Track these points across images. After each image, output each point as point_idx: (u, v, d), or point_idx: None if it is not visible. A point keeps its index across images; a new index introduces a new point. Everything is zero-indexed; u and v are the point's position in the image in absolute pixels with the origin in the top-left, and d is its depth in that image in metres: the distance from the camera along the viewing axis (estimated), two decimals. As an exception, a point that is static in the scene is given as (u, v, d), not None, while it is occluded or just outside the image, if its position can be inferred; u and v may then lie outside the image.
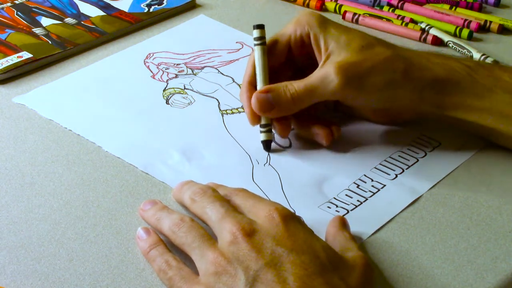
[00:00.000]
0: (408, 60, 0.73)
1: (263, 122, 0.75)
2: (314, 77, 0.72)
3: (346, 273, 0.58)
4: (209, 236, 0.60)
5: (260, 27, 0.76)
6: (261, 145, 0.75)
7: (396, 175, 0.73)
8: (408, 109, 0.75)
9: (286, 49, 0.76)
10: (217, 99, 0.83)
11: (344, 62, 0.71)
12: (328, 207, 0.69)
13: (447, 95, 0.73)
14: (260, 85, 0.75)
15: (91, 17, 0.96)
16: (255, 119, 0.75)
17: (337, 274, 0.57)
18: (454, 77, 0.73)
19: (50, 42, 0.90)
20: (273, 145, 0.76)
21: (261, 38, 0.76)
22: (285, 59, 0.77)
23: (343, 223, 0.65)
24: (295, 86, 0.72)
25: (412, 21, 0.99)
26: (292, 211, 0.63)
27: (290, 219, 0.60)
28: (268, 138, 0.75)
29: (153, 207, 0.65)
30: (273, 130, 0.75)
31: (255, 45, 0.76)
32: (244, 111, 0.81)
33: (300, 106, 0.73)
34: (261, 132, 0.75)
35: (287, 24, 0.77)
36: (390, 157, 0.75)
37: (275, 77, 0.75)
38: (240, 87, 0.85)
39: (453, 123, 0.75)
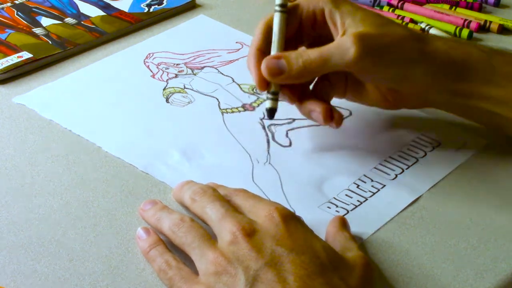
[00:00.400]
0: (425, 41, 0.72)
1: (271, 89, 0.72)
2: (330, 46, 0.70)
3: (346, 273, 0.58)
4: (209, 236, 0.60)
5: None
6: (261, 145, 0.75)
7: (396, 175, 0.73)
8: (420, 92, 0.74)
9: (297, 22, 0.75)
10: (217, 99, 0.83)
11: (363, 32, 0.70)
12: (328, 207, 0.69)
13: (461, 81, 0.72)
14: (274, 51, 0.73)
15: (91, 17, 0.96)
16: (263, 84, 0.72)
17: (337, 274, 0.57)
18: (471, 62, 0.72)
19: (50, 42, 0.90)
20: (273, 143, 0.76)
21: (284, 6, 0.74)
22: (294, 32, 0.75)
23: (343, 223, 0.65)
24: (309, 53, 0.70)
25: (412, 21, 0.99)
26: (292, 211, 0.63)
27: (290, 219, 0.60)
28: (273, 106, 0.72)
29: (153, 207, 0.65)
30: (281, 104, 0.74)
31: (276, 11, 0.74)
32: (243, 111, 0.81)
33: (311, 75, 0.72)
34: (267, 98, 0.73)
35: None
36: (390, 157, 0.75)
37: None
38: (239, 87, 0.85)
39: (464, 112, 0.74)
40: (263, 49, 0.73)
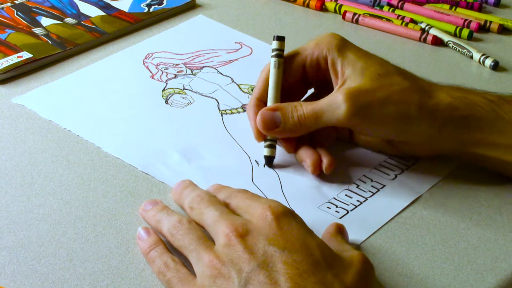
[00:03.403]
0: (427, 94, 0.70)
1: (268, 137, 0.73)
2: (323, 102, 0.70)
3: (341, 271, 0.57)
4: (206, 239, 0.60)
5: (280, 39, 0.74)
6: (260, 146, 0.75)
7: (396, 175, 0.73)
8: (426, 144, 0.72)
9: (300, 69, 0.74)
10: (216, 99, 0.83)
11: (355, 89, 0.69)
12: (328, 207, 0.69)
13: (469, 131, 0.70)
14: (270, 102, 0.73)
15: (91, 17, 0.96)
16: (260, 135, 0.73)
17: (330, 271, 0.56)
18: (477, 113, 0.70)
19: (50, 42, 0.90)
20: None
21: (279, 50, 0.73)
22: (299, 78, 0.75)
23: (338, 230, 0.64)
24: (304, 108, 0.70)
25: (412, 21, 0.99)
26: (287, 207, 0.62)
27: (283, 217, 0.59)
28: (271, 154, 0.73)
29: (154, 208, 0.65)
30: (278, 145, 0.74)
31: (272, 56, 0.74)
32: (243, 111, 0.81)
33: (306, 130, 0.71)
34: (264, 147, 0.73)
35: (307, 43, 0.74)
36: (389, 157, 0.75)
37: (287, 95, 0.73)
38: (239, 87, 0.85)
39: (473, 159, 0.72)
40: (264, 99, 0.73)
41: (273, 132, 0.72)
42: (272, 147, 0.73)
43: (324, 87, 0.75)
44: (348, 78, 0.70)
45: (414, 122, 0.69)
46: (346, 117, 0.68)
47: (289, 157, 0.74)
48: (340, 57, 0.72)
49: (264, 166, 0.73)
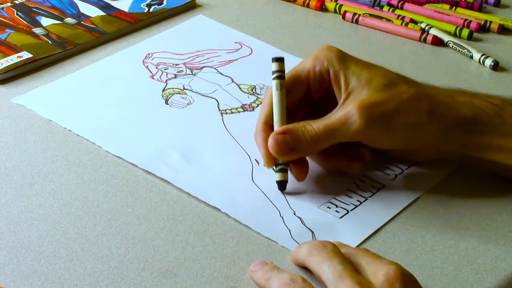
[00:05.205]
0: (433, 100, 0.70)
1: (279, 161, 0.70)
2: (334, 117, 0.69)
3: None
4: None
5: (279, 60, 0.71)
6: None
7: (396, 175, 0.73)
8: (432, 149, 0.72)
9: (305, 86, 0.72)
10: (216, 99, 0.83)
11: (366, 102, 0.68)
12: (328, 207, 0.69)
13: (474, 136, 0.70)
14: (277, 125, 0.70)
15: (91, 17, 0.96)
16: (271, 160, 0.70)
17: None
18: (482, 117, 0.70)
19: (50, 42, 0.90)
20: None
21: (280, 72, 0.71)
22: (302, 97, 0.73)
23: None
24: (315, 126, 0.68)
25: (412, 21, 0.99)
26: (409, 272, 0.58)
27: (409, 285, 0.56)
28: (284, 178, 0.70)
29: (264, 267, 0.61)
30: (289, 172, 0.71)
31: (273, 79, 0.71)
32: (243, 111, 0.81)
33: (319, 148, 0.70)
34: (276, 171, 0.71)
35: (305, 59, 0.73)
36: (390, 157, 0.75)
37: (290, 114, 0.72)
38: (239, 87, 0.85)
39: (478, 164, 0.72)
40: (270, 123, 0.71)
41: (288, 156, 0.69)
42: (284, 171, 0.70)
43: (324, 103, 0.73)
44: (354, 90, 0.69)
45: (425, 129, 0.69)
46: (362, 131, 0.68)
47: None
48: (342, 69, 0.71)
49: (263, 165, 0.73)
